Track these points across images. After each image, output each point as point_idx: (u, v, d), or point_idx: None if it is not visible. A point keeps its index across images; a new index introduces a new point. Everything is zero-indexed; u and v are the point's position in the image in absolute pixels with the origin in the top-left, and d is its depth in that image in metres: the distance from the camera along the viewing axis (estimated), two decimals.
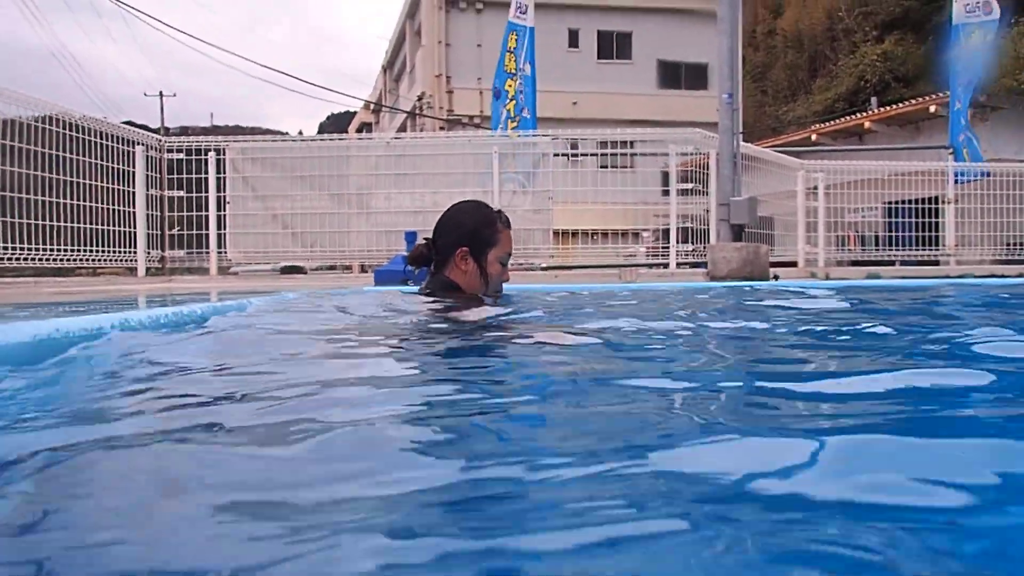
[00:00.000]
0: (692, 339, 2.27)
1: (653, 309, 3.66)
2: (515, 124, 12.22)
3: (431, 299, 2.93)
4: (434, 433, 1.01)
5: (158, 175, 9.80)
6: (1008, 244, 11.87)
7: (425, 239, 3.09)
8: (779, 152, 12.41)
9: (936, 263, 11.68)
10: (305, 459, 0.84)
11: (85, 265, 8.70)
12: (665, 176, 10.35)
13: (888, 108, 19.60)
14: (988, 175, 11.87)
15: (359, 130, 39.98)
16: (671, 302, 4.17)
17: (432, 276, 3.06)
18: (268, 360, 1.67)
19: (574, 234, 10.89)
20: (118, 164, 9.08)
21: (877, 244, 12.56)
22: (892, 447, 0.88)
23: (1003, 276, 8.55)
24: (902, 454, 0.85)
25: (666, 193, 10.26)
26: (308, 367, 1.62)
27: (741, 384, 1.47)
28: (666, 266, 10.03)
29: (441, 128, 24.38)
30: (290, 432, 0.94)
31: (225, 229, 10.01)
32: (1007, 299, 4.25)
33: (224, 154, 9.98)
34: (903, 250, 11.90)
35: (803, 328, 2.57)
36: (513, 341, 2.11)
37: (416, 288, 3.39)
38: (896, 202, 12.31)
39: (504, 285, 3.20)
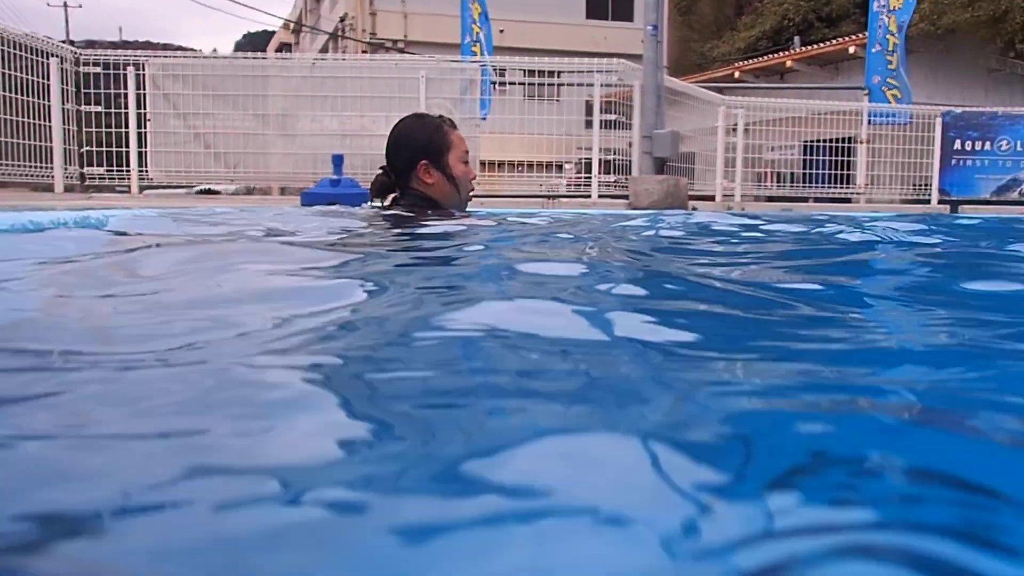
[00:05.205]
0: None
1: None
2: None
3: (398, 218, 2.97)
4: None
5: (74, 89, 9.47)
6: (914, 185, 12.34)
7: (381, 167, 3.12)
8: (703, 88, 12.58)
9: (848, 200, 12.10)
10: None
11: None
12: (589, 107, 10.41)
13: (809, 48, 19.95)
14: (912, 119, 12.21)
15: (278, 50, 38.66)
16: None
17: (404, 195, 3.08)
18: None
19: (500, 164, 10.92)
20: (31, 76, 8.74)
21: (792, 181, 12.93)
22: None
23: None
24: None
25: (590, 124, 10.34)
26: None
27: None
28: (588, 196, 10.17)
29: (364, 52, 23.87)
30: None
31: (146, 147, 9.77)
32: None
33: (144, 70, 9.69)
34: (817, 187, 12.28)
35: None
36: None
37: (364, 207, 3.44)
38: (813, 140, 12.64)
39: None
